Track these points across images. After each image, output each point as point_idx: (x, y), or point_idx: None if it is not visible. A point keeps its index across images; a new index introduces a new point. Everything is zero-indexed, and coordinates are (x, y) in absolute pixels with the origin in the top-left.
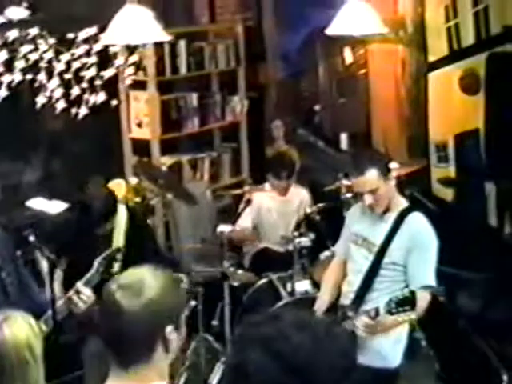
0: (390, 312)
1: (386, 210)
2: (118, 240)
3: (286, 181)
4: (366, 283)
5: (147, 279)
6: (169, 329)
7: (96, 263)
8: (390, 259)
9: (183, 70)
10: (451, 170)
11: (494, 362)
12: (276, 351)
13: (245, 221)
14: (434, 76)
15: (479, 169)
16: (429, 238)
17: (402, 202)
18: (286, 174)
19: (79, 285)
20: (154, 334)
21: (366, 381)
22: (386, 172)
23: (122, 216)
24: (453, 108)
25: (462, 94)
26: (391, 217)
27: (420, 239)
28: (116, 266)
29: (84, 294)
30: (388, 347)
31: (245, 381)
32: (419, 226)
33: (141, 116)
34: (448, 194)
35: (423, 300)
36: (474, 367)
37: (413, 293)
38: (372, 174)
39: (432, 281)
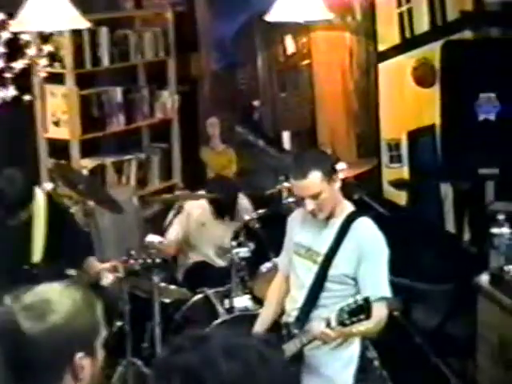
0: (342, 323)
1: (331, 216)
2: (39, 228)
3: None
4: (311, 298)
5: (54, 300)
6: (79, 355)
7: None
8: (336, 271)
9: (105, 61)
10: (404, 171)
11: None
12: (198, 381)
13: (173, 232)
14: (384, 67)
15: (435, 169)
16: (379, 245)
17: (348, 207)
18: (227, 208)
19: None
20: (60, 361)
21: None
22: (330, 174)
23: (40, 203)
24: (406, 102)
25: (416, 86)
26: (336, 223)
27: (369, 247)
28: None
29: None
30: (337, 371)
31: None
32: (367, 232)
33: (58, 113)
34: (401, 197)
35: (379, 314)
36: None
37: (367, 299)
38: (315, 177)
39: (387, 291)
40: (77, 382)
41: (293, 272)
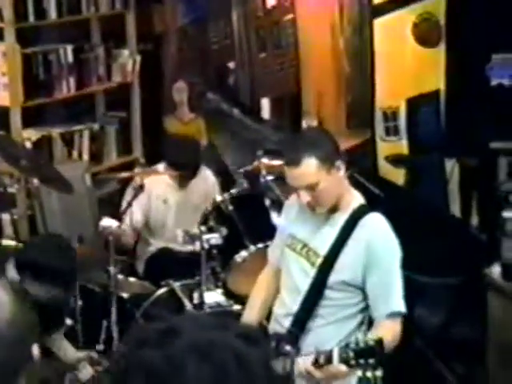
0: (346, 362)
1: (334, 210)
2: None
3: (185, 174)
4: (307, 307)
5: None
6: (35, 349)
7: None
8: (338, 277)
9: (52, 14)
10: (403, 145)
11: None
12: None
13: (132, 215)
14: (380, 23)
15: (439, 143)
16: (391, 248)
17: (357, 199)
18: (185, 165)
19: None
20: (21, 353)
21: None
22: (330, 160)
23: None
24: (405, 64)
25: (418, 45)
26: (340, 218)
27: (380, 250)
28: None
29: None
30: None
31: None
32: (379, 233)
33: None
34: (399, 175)
35: (390, 333)
36: None
37: (380, 342)
38: (309, 165)
39: (401, 306)
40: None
41: (285, 269)
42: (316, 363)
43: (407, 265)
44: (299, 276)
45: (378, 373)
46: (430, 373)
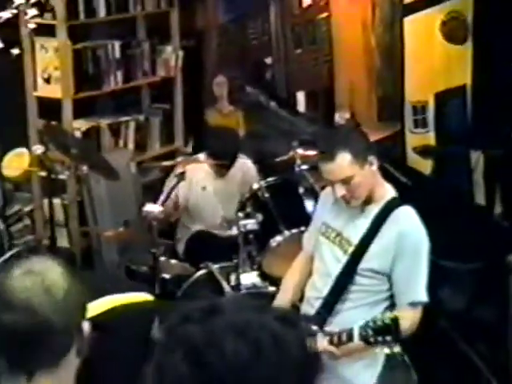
0: (365, 340)
1: (367, 202)
2: None
3: (224, 164)
4: (337, 291)
5: (50, 273)
6: (86, 325)
7: None
8: (368, 265)
9: (101, 12)
10: (430, 137)
11: (482, 370)
12: (200, 359)
13: (172, 198)
14: (410, 21)
15: (465, 135)
16: (421, 243)
17: (390, 192)
18: (225, 155)
19: None
20: (71, 330)
21: None
22: (363, 155)
23: None
24: (434, 60)
25: (446, 42)
26: (373, 210)
27: (410, 244)
28: None
29: None
30: (356, 372)
31: None
32: (409, 225)
33: (49, 69)
34: (426, 165)
35: (409, 319)
36: (460, 376)
37: (395, 320)
38: (343, 160)
39: (423, 296)
40: (78, 355)
41: (318, 255)
42: (334, 342)
43: (433, 251)
44: (331, 262)
45: (396, 349)
46: (454, 352)
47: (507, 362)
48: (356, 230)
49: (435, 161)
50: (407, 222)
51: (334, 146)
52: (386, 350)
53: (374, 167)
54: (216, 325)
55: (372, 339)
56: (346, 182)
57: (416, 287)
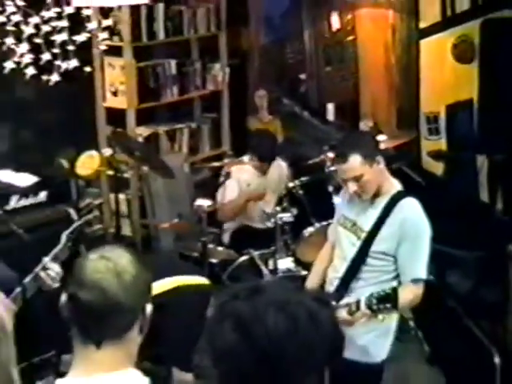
0: (370, 308)
1: (376, 195)
2: None
3: (266, 162)
4: (352, 271)
5: (125, 257)
6: (149, 308)
7: (64, 237)
8: (378, 248)
9: (161, 35)
10: (442, 143)
11: (485, 344)
12: (246, 330)
13: (233, 194)
14: (425, 43)
15: (471, 141)
16: (421, 228)
17: (395, 186)
18: (267, 154)
19: (46, 260)
20: (136, 310)
21: (346, 375)
22: (371, 156)
23: None
24: (445, 77)
25: (456, 62)
26: (382, 202)
27: (411, 229)
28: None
29: (52, 270)
30: (370, 341)
31: (215, 357)
32: (411, 213)
33: (116, 84)
34: (438, 167)
35: (411, 293)
36: (465, 349)
37: (395, 290)
38: (355, 161)
39: (423, 274)
40: (140, 333)
41: (337, 242)
42: (347, 312)
43: (443, 240)
44: (348, 247)
45: (394, 314)
46: (460, 328)
47: (505, 336)
48: (367, 219)
49: (446, 164)
50: (410, 211)
51: (347, 149)
52: (394, 323)
53: (381, 165)
54: (259, 302)
55: (375, 307)
56: (357, 179)
57: (417, 266)
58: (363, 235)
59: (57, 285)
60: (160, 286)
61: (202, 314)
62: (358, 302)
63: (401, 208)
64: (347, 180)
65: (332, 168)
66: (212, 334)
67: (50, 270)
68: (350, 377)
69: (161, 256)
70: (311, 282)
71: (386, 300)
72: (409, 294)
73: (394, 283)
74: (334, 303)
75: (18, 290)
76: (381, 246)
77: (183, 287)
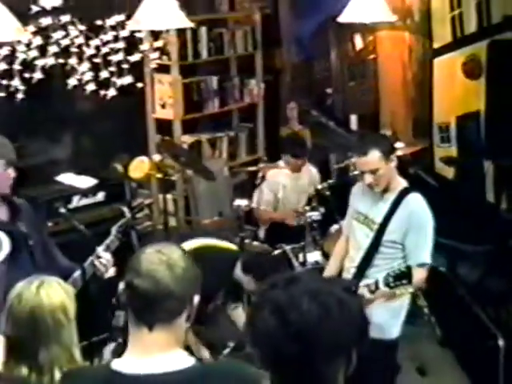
0: (388, 285)
1: (386, 190)
2: None
3: (300, 159)
4: (367, 259)
5: (176, 252)
6: (196, 298)
7: (113, 230)
8: (389, 237)
9: (204, 54)
10: (453, 150)
11: (491, 328)
12: (283, 315)
13: (268, 197)
14: (438, 61)
15: (479, 148)
16: (425, 219)
17: (402, 183)
18: (300, 153)
19: (99, 250)
20: (185, 299)
21: (367, 352)
22: (388, 154)
23: None
24: (456, 91)
25: (465, 78)
26: (391, 197)
27: (417, 220)
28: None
29: (104, 258)
30: (385, 320)
31: (254, 338)
32: (416, 207)
33: (164, 98)
34: (449, 171)
35: (418, 276)
36: (473, 332)
37: (409, 267)
38: (374, 155)
39: (427, 259)
40: (187, 321)
41: (352, 235)
42: (371, 291)
43: (454, 236)
44: (362, 238)
45: (410, 289)
46: (469, 313)
47: (508, 321)
48: (378, 212)
49: (456, 168)
50: (416, 205)
51: (367, 145)
52: (405, 304)
53: (394, 164)
54: (295, 291)
55: (392, 284)
56: (373, 172)
57: (422, 252)
58: (375, 227)
59: (108, 271)
60: (189, 244)
61: (225, 273)
62: (376, 282)
63: (408, 202)
64: (365, 172)
65: (355, 172)
66: (252, 318)
67: (102, 258)
68: (371, 353)
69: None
70: (329, 271)
71: (402, 277)
72: (416, 276)
73: (402, 267)
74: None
75: (78, 272)
76: (391, 236)
77: (212, 246)
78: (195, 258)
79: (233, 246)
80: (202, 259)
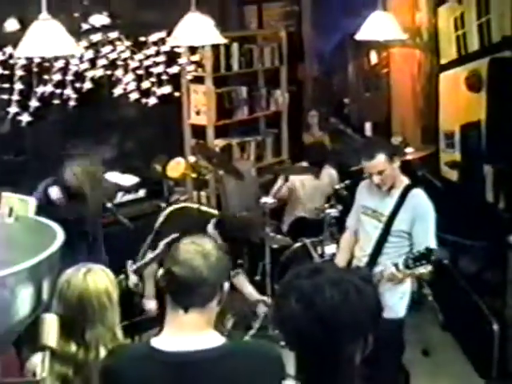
0: (407, 267)
1: (392, 187)
2: None
3: (318, 167)
4: (378, 248)
5: (207, 245)
6: (226, 284)
7: (161, 244)
8: (397, 227)
9: (235, 67)
10: (457, 155)
11: (487, 315)
12: (308, 302)
13: (282, 191)
14: (444, 76)
15: (480, 154)
16: (428, 210)
17: (405, 180)
18: (319, 161)
19: (130, 271)
20: (217, 285)
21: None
22: (391, 156)
23: None
24: (459, 103)
25: (468, 91)
26: (396, 193)
27: (421, 211)
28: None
29: (132, 280)
30: (394, 301)
31: (281, 322)
32: (420, 200)
33: (199, 105)
34: (453, 174)
35: None
36: (471, 318)
37: (428, 249)
38: (380, 159)
39: (433, 244)
40: (218, 305)
41: (362, 228)
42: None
43: (456, 232)
44: (371, 229)
45: (429, 267)
46: (469, 302)
47: (503, 309)
48: (386, 206)
49: (460, 171)
50: (419, 199)
51: (373, 150)
52: (409, 288)
53: (397, 164)
54: (319, 279)
55: (412, 265)
56: (380, 173)
57: (428, 239)
58: (384, 219)
59: (138, 288)
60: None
61: (203, 228)
62: (396, 265)
63: (412, 196)
64: (373, 173)
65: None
66: (279, 304)
67: (130, 280)
68: (383, 331)
69: None
70: (339, 260)
71: (422, 258)
72: None
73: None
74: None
75: (123, 276)
76: (400, 226)
77: (193, 208)
78: (178, 215)
79: (215, 212)
80: (184, 216)
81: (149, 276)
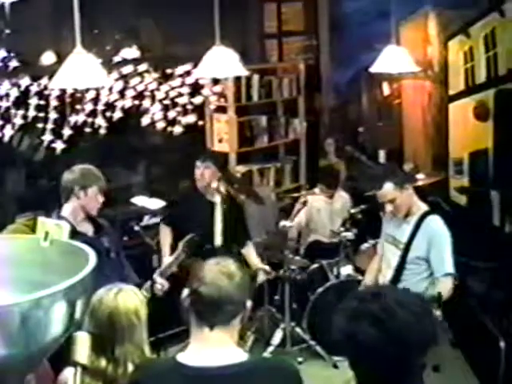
0: None
1: (409, 214)
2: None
3: (332, 189)
4: (396, 275)
5: (231, 266)
6: (249, 303)
7: (180, 245)
8: (413, 254)
9: (255, 97)
10: (465, 181)
11: (494, 333)
12: (381, 324)
13: (299, 218)
14: (453, 106)
15: (487, 180)
16: (445, 236)
17: (422, 207)
18: (333, 184)
19: (155, 276)
20: (241, 304)
21: None
22: (401, 184)
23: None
24: (468, 131)
25: (475, 120)
26: (413, 219)
27: (438, 237)
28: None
29: (159, 283)
30: None
31: (354, 347)
32: (436, 226)
33: (221, 134)
34: (462, 199)
35: (445, 287)
36: (479, 336)
37: (439, 293)
38: (388, 188)
39: (451, 269)
40: (241, 322)
41: (384, 254)
42: None
43: (465, 254)
44: (391, 256)
45: (438, 313)
46: (477, 320)
47: (509, 327)
48: (403, 233)
49: (468, 196)
50: (436, 225)
51: (381, 179)
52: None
53: (410, 191)
54: (385, 302)
55: None
56: (391, 202)
57: (445, 264)
58: (401, 246)
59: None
60: None
61: None
62: None
63: (428, 223)
64: (384, 202)
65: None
66: (353, 331)
67: (158, 283)
68: None
69: None
70: (367, 280)
71: (432, 302)
72: (444, 289)
73: (426, 283)
74: None
75: (149, 283)
76: (416, 253)
77: None
78: None
79: None
80: None
81: None
